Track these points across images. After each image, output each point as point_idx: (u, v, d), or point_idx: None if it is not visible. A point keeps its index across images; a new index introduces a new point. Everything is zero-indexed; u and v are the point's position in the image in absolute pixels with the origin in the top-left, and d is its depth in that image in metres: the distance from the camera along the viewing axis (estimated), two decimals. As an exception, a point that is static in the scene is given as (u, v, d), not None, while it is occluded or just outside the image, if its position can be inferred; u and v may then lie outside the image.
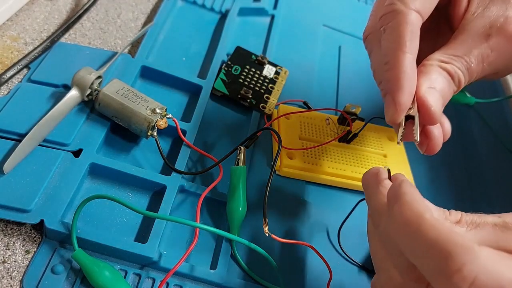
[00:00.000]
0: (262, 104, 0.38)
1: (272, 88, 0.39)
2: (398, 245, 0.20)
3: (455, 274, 0.17)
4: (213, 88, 0.37)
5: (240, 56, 0.40)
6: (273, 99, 0.38)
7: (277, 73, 0.41)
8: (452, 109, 0.44)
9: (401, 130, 0.25)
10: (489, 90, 0.49)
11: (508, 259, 0.18)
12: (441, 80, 0.25)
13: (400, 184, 0.21)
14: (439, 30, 0.30)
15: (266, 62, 0.41)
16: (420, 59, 0.25)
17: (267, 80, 0.39)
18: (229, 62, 0.39)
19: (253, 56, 0.41)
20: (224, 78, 0.38)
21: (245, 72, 0.39)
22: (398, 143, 0.25)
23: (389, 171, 0.25)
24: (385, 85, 0.25)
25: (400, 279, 0.20)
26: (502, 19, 0.25)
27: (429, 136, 0.26)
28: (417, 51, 0.24)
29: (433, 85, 0.24)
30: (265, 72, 0.40)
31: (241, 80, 0.38)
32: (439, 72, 0.25)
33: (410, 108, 0.24)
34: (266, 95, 0.38)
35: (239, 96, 0.37)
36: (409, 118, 0.25)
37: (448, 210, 0.21)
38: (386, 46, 0.25)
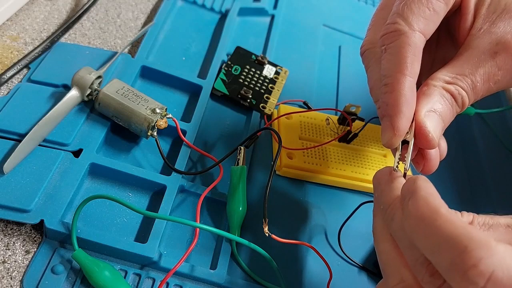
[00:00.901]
0: (262, 104, 0.38)
1: (272, 88, 0.39)
2: (412, 241, 0.19)
3: (471, 269, 0.16)
4: (213, 88, 0.37)
5: (240, 56, 0.40)
6: (273, 99, 0.38)
7: (277, 73, 0.41)
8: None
9: (397, 155, 0.24)
10: (490, 99, 0.49)
11: None
12: (443, 102, 0.24)
13: (415, 179, 0.20)
14: (439, 41, 0.29)
15: (266, 62, 0.41)
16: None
17: (267, 80, 0.39)
18: (229, 62, 0.39)
19: (253, 56, 0.41)
20: (224, 78, 0.38)
21: (245, 72, 0.39)
22: (394, 170, 0.23)
23: (406, 170, 0.24)
24: (383, 108, 0.24)
25: (411, 280, 0.20)
26: (510, 35, 0.24)
27: (426, 156, 0.26)
28: (418, 73, 0.24)
29: (434, 107, 0.24)
30: (265, 72, 0.40)
31: (241, 80, 0.38)
32: (442, 94, 0.24)
33: (407, 133, 0.23)
34: (266, 95, 0.38)
35: (239, 96, 0.37)
36: (406, 142, 0.24)
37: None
38: (387, 67, 0.24)
